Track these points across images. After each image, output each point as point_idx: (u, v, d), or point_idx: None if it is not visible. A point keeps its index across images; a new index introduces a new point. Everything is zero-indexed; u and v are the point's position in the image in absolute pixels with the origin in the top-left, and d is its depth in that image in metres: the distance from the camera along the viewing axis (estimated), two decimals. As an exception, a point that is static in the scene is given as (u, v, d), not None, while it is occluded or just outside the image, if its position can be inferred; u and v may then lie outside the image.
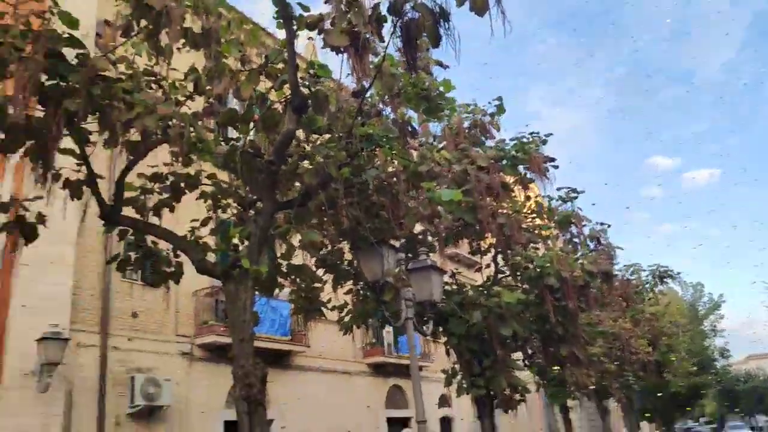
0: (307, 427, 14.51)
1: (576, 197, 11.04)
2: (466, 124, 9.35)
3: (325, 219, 7.03)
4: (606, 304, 12.42)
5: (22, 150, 5.03)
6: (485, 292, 9.86)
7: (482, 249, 10.76)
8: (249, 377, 5.45)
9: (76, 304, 10.61)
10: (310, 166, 6.47)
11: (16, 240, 5.91)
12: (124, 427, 10.95)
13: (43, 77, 4.26)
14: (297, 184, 6.75)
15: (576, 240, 11.17)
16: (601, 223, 11.48)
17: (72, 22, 4.22)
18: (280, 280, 7.80)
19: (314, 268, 8.42)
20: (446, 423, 20.70)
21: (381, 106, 6.86)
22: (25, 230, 5.76)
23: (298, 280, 8.30)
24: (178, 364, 12.21)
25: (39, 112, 4.54)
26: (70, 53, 4.40)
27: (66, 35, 4.27)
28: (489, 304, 9.09)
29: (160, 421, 11.50)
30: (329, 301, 8.99)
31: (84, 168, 5.58)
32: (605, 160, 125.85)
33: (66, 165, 5.53)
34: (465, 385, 10.38)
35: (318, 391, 15.40)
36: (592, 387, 13.49)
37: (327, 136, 6.64)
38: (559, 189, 11.15)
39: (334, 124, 6.23)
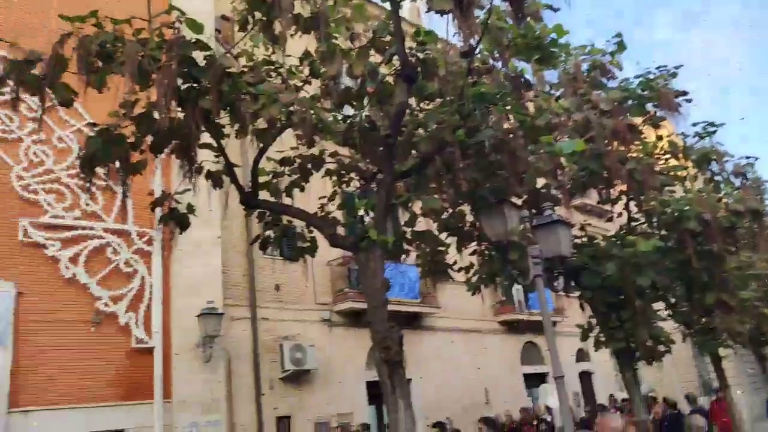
0: (444, 385, 14.93)
1: (715, 131, 10.08)
2: (584, 68, 8.83)
3: (444, 183, 7.07)
4: (758, 244, 11.31)
5: (167, 149, 5.61)
6: (619, 242, 9.39)
7: (612, 197, 10.22)
8: (386, 341, 5.63)
9: (226, 282, 11.68)
10: (425, 134, 6.52)
11: (172, 229, 6.67)
12: (278, 390, 11.97)
13: (179, 81, 4.69)
14: (414, 152, 6.84)
15: (718, 178, 10.25)
16: (748, 157, 10.42)
17: (197, 27, 4.58)
18: (405, 246, 8.03)
19: (437, 233, 8.53)
20: (586, 377, 20.24)
21: (491, 62, 6.68)
22: (179, 220, 6.45)
23: (422, 245, 8.47)
24: (320, 331, 13.06)
25: (180, 114, 5.00)
26: (198, 56, 4.79)
27: (193, 40, 4.65)
28: (623, 254, 8.65)
29: (308, 383, 12.43)
30: (455, 263, 9.08)
31: (222, 159, 6.08)
32: (751, 82, 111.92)
33: (206, 158, 6.07)
34: (603, 339, 10.08)
35: (452, 350, 15.72)
36: (745, 334, 12.43)
37: (439, 101, 6.63)
38: (694, 124, 10.27)
39: (444, 88, 6.19)
